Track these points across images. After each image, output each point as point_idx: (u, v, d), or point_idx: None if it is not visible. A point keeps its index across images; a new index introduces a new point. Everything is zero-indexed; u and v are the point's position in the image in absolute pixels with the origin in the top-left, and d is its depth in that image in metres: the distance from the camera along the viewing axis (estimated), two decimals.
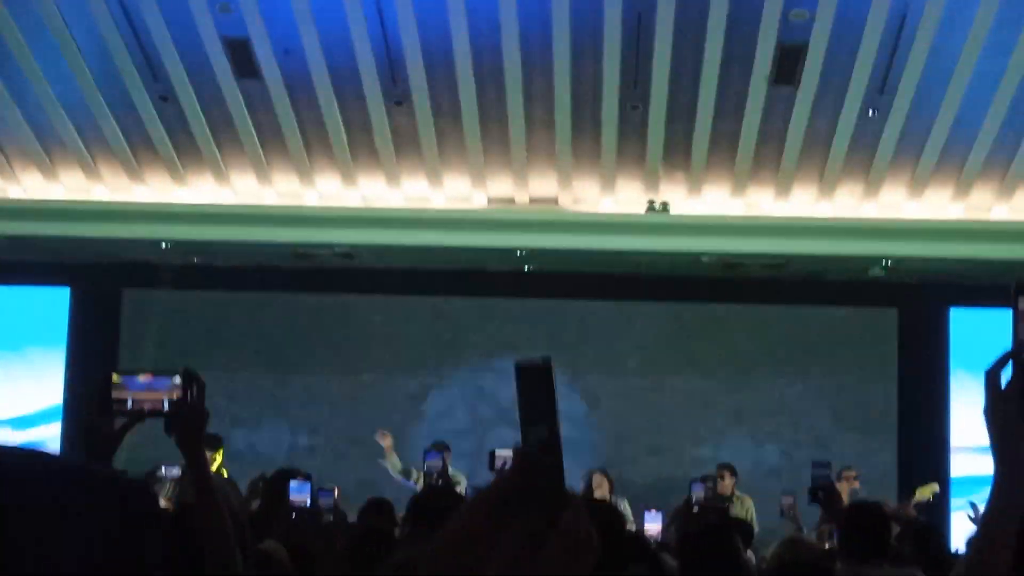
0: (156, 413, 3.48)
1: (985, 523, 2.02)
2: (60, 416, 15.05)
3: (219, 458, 11.24)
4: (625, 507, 12.43)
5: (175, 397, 3.44)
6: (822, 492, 9.16)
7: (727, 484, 12.42)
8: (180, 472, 9.56)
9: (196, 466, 3.43)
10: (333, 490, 7.60)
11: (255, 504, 9.58)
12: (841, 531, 6.13)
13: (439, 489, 5.35)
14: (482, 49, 12.06)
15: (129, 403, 3.46)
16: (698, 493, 9.36)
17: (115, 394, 3.47)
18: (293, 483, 5.69)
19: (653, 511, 8.06)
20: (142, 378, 3.48)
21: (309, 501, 5.64)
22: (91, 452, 3.48)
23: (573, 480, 13.57)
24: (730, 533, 5.43)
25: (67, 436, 14.79)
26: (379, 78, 12.36)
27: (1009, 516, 1.98)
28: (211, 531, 3.37)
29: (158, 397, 3.46)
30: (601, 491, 12.63)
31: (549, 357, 1.38)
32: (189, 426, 3.43)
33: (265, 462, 12.13)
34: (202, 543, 3.38)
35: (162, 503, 9.47)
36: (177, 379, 3.45)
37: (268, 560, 4.52)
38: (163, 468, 9.13)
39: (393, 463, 12.71)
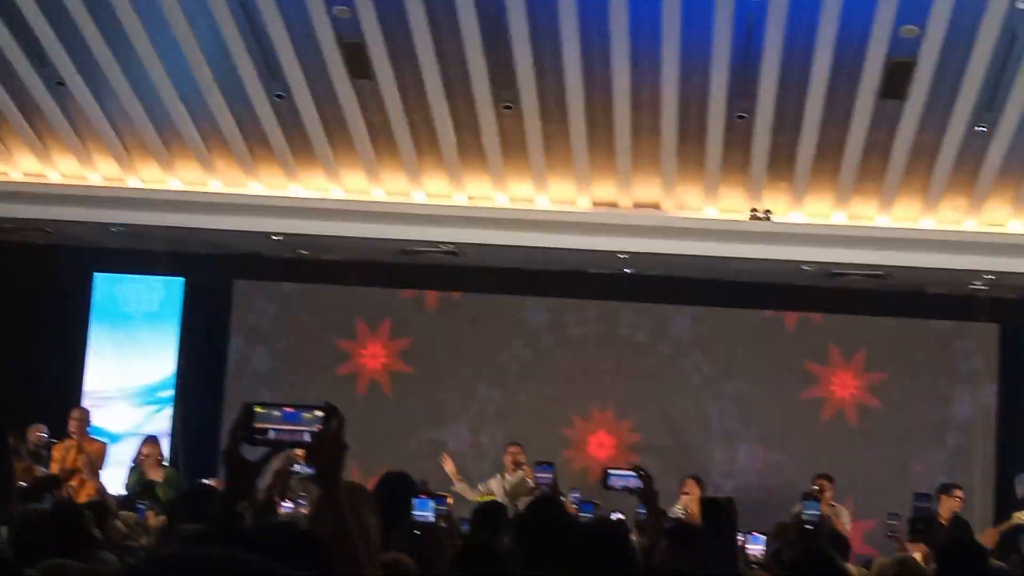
0: (297, 445, 3.55)
1: None
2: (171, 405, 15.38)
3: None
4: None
5: (316, 430, 3.50)
6: (922, 524, 9.10)
7: (827, 495, 12.38)
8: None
9: (334, 500, 3.47)
10: (446, 498, 7.70)
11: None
12: (939, 566, 6.11)
13: (547, 504, 5.39)
14: (591, 56, 12.13)
15: (271, 433, 3.54)
16: (811, 512, 9.23)
17: (258, 424, 3.56)
18: (416, 501, 5.75)
19: (755, 534, 8.05)
20: (284, 410, 3.55)
21: (432, 518, 5.72)
22: (232, 480, 3.58)
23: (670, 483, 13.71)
24: (832, 559, 5.46)
25: (176, 428, 15.10)
26: (489, 82, 12.49)
27: None
28: (345, 563, 3.44)
29: (299, 429, 3.53)
30: (691, 496, 12.68)
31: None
32: (329, 459, 3.48)
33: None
34: (337, 565, 3.46)
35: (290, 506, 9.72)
36: (318, 412, 3.50)
37: (396, 573, 4.61)
38: (296, 465, 9.33)
39: (462, 488, 12.79)
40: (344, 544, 3.38)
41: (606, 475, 6.24)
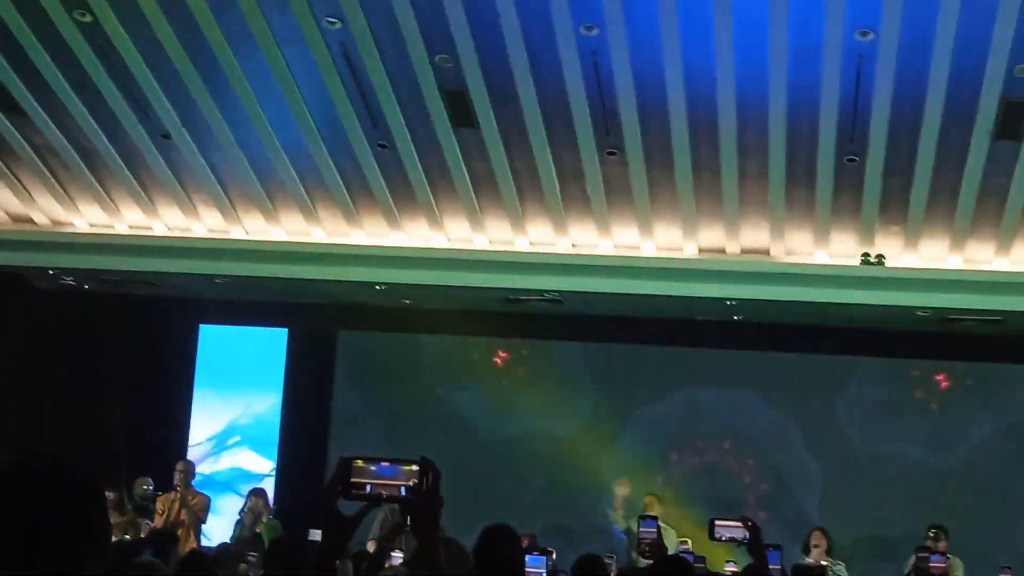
0: (393, 499, 3.54)
1: None
2: (276, 455, 15.38)
3: None
4: (842, 571, 12.18)
5: (412, 484, 3.46)
6: None
7: (941, 546, 12.05)
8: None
9: (429, 552, 3.51)
10: (551, 553, 7.50)
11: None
12: None
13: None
14: (697, 100, 11.92)
15: (368, 488, 3.50)
16: (937, 565, 8.92)
17: (355, 478, 3.50)
18: (530, 558, 5.58)
19: None
20: (381, 464, 3.53)
21: (546, 574, 5.54)
22: (329, 535, 3.58)
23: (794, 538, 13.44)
24: None
25: (280, 477, 15.09)
26: (593, 128, 12.33)
27: None
28: None
29: (396, 483, 3.50)
30: (819, 550, 12.43)
31: None
32: (425, 513, 3.50)
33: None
34: None
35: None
36: (415, 467, 3.48)
37: None
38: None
39: (618, 518, 12.62)
40: None
41: (712, 525, 6.13)
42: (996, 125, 11.71)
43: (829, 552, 12.54)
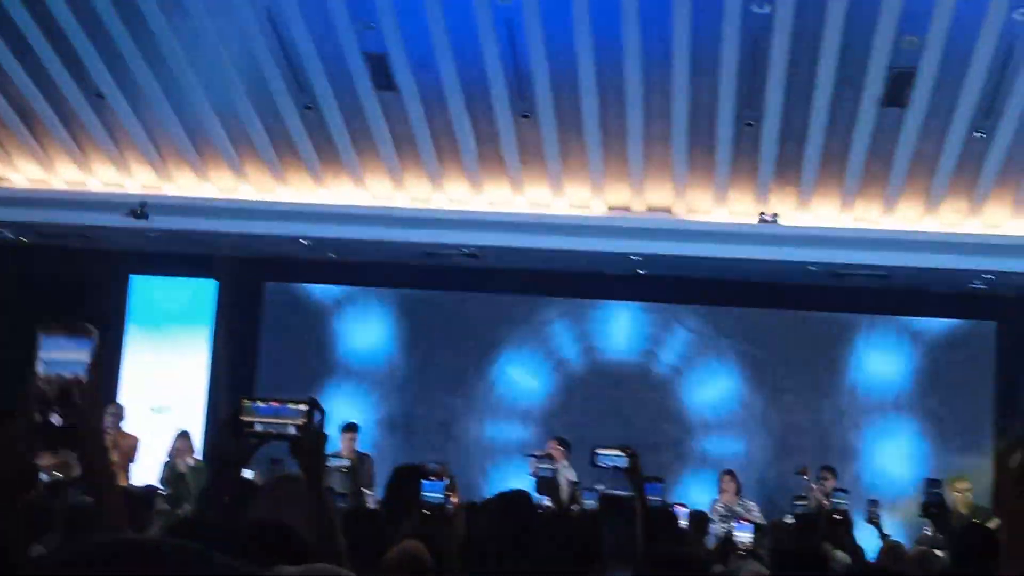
0: (282, 437, 3.59)
1: None
2: (204, 404, 15.42)
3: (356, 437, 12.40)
4: (755, 510, 12.39)
5: (299, 423, 3.54)
6: (935, 509, 9.01)
7: (829, 484, 12.28)
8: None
9: (315, 487, 3.57)
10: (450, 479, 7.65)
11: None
12: (952, 552, 6.05)
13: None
14: (605, 67, 12.15)
15: (257, 427, 3.59)
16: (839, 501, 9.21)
17: (245, 418, 3.60)
18: (425, 483, 5.75)
19: (743, 522, 8.03)
20: (271, 404, 3.60)
21: (442, 499, 5.71)
22: (222, 468, 3.62)
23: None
24: (818, 552, 5.45)
25: (208, 426, 15.16)
26: (507, 92, 12.51)
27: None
28: (325, 542, 3.50)
29: (284, 422, 3.57)
30: (728, 493, 12.63)
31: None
32: (312, 451, 3.56)
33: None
34: (316, 551, 3.51)
35: None
36: (303, 407, 3.56)
37: (413, 560, 4.64)
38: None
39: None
40: (324, 529, 3.43)
41: (593, 454, 6.18)
42: (884, 93, 12.01)
43: (738, 493, 12.75)
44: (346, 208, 14.00)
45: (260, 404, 3.62)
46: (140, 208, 13.54)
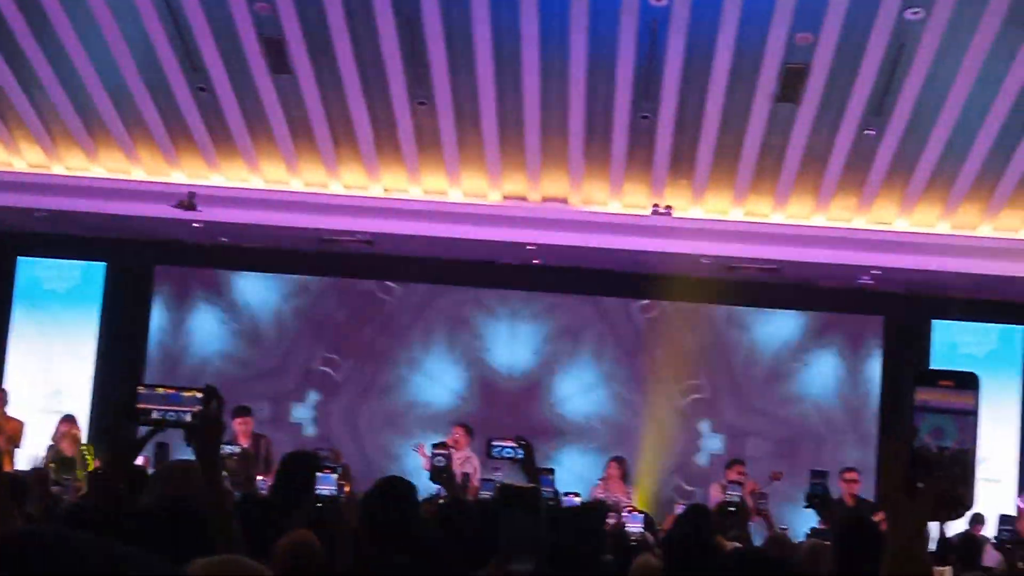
0: (177, 424, 3.56)
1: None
2: (90, 387, 15.18)
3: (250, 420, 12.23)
4: (632, 494, 12.52)
5: (196, 410, 3.50)
6: (818, 500, 9.18)
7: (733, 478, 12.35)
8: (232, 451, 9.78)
9: (211, 474, 3.54)
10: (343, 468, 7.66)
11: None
12: (835, 545, 6.14)
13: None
14: (503, 56, 12.15)
15: (153, 413, 3.53)
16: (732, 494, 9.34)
17: (140, 404, 3.55)
18: (320, 475, 5.75)
19: (636, 513, 8.12)
20: (167, 391, 3.57)
21: (335, 490, 5.71)
22: (116, 456, 3.59)
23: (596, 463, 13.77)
24: (708, 542, 5.51)
25: (94, 409, 14.94)
26: (405, 79, 12.45)
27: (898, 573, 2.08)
28: (219, 529, 3.49)
29: (180, 409, 3.53)
30: (613, 479, 12.73)
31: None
32: (207, 438, 3.53)
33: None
34: (210, 538, 3.48)
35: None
36: (199, 393, 3.52)
37: (305, 550, 4.60)
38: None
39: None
40: (219, 516, 3.41)
41: (489, 445, 6.30)
42: (777, 89, 12.16)
43: (624, 479, 12.85)
44: (239, 192, 13.85)
45: (157, 391, 3.59)
46: (189, 198, 13.22)
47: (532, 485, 5.64)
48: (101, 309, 15.44)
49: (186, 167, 13.84)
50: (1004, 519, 7.68)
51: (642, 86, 12.27)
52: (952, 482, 2.08)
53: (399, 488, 4.99)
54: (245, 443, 11.78)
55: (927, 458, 2.08)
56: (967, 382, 2.13)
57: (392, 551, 4.56)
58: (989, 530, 11.13)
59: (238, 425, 12.35)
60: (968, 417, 2.11)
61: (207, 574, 2.86)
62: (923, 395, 2.12)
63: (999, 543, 8.18)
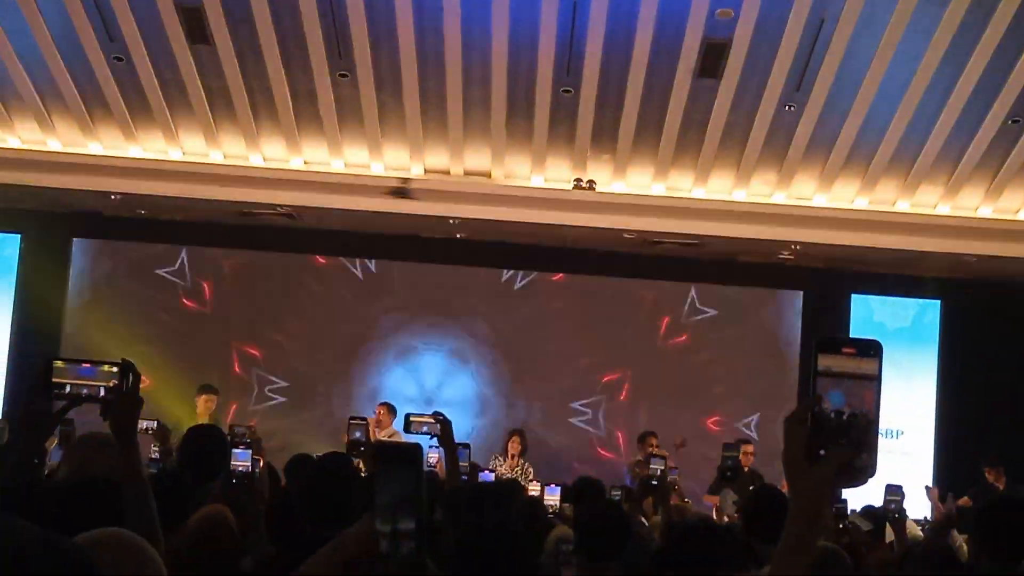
0: (93, 399, 3.53)
1: (779, 553, 2.13)
2: (4, 360, 14.97)
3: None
4: (530, 471, 12.65)
5: (112, 385, 3.47)
6: (731, 472, 9.39)
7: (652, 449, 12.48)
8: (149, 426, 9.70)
9: (127, 450, 3.49)
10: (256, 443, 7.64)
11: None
12: (743, 514, 6.26)
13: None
14: (425, 28, 12.09)
15: (68, 388, 3.50)
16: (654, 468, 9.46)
17: (56, 379, 3.52)
18: (236, 451, 5.73)
19: (553, 486, 8.20)
20: (82, 366, 3.53)
21: (250, 466, 5.69)
22: (30, 431, 3.55)
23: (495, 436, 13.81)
24: (622, 515, 5.57)
25: (9, 383, 14.75)
26: (326, 50, 12.37)
27: (801, 547, 2.11)
28: (137, 506, 3.46)
29: (96, 384, 3.50)
30: (514, 451, 12.86)
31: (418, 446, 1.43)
32: (123, 413, 3.48)
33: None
34: (128, 515, 3.46)
35: None
36: (115, 369, 3.49)
37: (217, 523, 4.60)
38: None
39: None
40: (135, 491, 3.38)
41: (407, 421, 6.36)
42: (698, 64, 12.22)
43: (523, 454, 12.97)
44: (158, 164, 13.70)
45: (72, 365, 3.55)
46: (404, 183, 13.05)
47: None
48: (16, 282, 15.20)
49: (103, 138, 13.66)
50: (890, 489, 7.86)
51: (564, 60, 12.27)
52: (854, 449, 2.10)
53: (337, 464, 5.00)
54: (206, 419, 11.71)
55: (827, 425, 2.10)
56: (869, 349, 2.15)
57: (313, 525, 4.56)
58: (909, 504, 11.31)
59: (202, 402, 12.29)
60: (870, 384, 2.13)
61: (89, 547, 2.84)
62: (825, 362, 2.14)
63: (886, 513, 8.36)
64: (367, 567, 2.30)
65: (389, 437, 12.33)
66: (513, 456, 12.91)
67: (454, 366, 15.48)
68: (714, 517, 10.43)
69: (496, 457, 13.08)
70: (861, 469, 2.11)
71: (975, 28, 11.61)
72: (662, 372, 15.44)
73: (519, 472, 12.50)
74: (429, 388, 15.32)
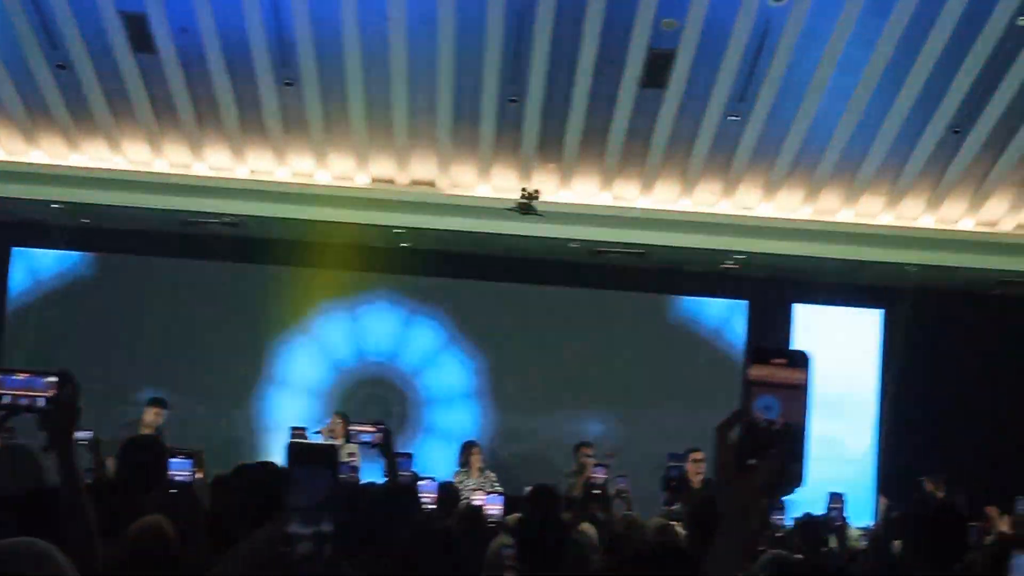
0: (31, 409, 3.49)
1: (710, 562, 2.14)
2: None
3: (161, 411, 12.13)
4: (495, 479, 12.57)
5: (50, 395, 3.45)
6: (675, 483, 9.38)
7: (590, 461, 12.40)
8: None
9: (64, 460, 3.47)
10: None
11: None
12: (686, 525, 6.26)
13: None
14: (370, 37, 12.08)
15: (5, 399, 3.47)
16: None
17: None
18: (174, 461, 5.69)
19: (496, 495, 8.19)
20: (20, 376, 3.49)
21: (190, 476, 5.66)
22: None
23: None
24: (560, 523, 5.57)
25: None
26: (270, 59, 12.33)
27: (731, 549, 2.13)
28: (73, 514, 3.43)
29: (34, 394, 3.46)
30: (474, 466, 12.77)
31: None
32: (61, 423, 3.46)
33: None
34: (64, 524, 3.44)
35: None
36: (53, 378, 3.46)
37: (156, 534, 4.56)
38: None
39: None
40: (72, 501, 3.37)
41: (347, 429, 6.36)
42: (643, 74, 12.27)
43: (482, 463, 12.91)
44: (101, 172, 13.58)
45: (9, 375, 3.52)
46: (532, 193, 12.95)
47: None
48: None
49: (45, 146, 13.54)
50: (833, 497, 7.94)
51: (510, 70, 12.30)
52: (783, 458, 2.12)
53: (256, 471, 4.96)
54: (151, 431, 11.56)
55: (757, 434, 2.12)
56: (798, 360, 2.17)
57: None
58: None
59: (152, 415, 12.13)
60: (800, 393, 2.15)
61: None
62: (757, 372, 2.16)
63: (827, 521, 8.43)
64: (281, 568, 2.30)
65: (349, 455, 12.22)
66: (479, 469, 12.78)
67: (397, 376, 15.44)
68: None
69: (463, 470, 12.88)
70: (790, 478, 2.13)
71: (916, 39, 11.73)
72: (603, 383, 15.42)
73: (486, 483, 12.30)
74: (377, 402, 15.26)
